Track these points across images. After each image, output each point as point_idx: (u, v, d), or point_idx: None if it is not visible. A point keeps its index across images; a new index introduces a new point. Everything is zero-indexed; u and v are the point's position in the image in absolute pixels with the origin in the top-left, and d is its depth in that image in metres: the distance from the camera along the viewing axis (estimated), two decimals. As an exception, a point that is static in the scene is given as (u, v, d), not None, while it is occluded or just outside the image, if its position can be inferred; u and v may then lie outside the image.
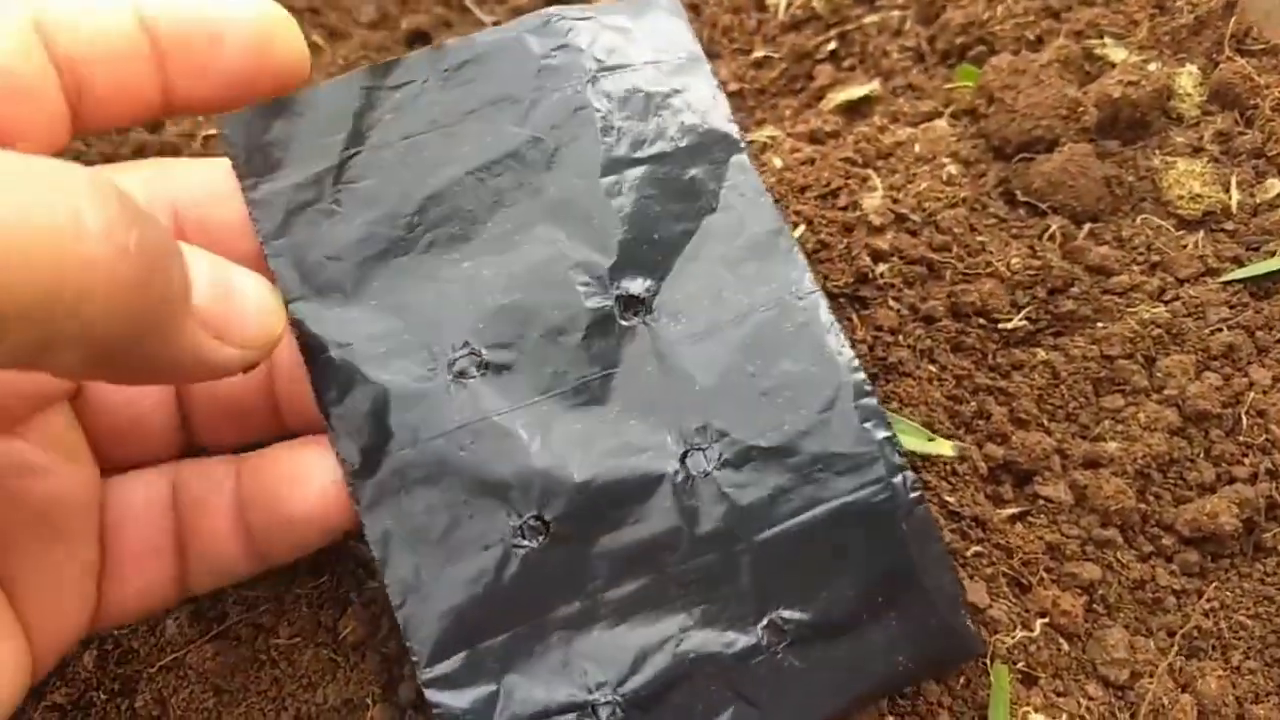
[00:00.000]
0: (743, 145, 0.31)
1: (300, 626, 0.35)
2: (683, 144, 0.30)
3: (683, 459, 0.28)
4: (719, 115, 0.31)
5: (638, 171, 0.30)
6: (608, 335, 0.29)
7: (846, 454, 0.28)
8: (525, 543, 0.27)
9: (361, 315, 0.28)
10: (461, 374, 0.28)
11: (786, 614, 0.28)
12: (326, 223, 0.29)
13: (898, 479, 0.28)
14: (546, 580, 0.27)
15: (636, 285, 0.29)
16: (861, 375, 0.29)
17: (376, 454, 0.28)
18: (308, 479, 0.28)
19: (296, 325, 0.28)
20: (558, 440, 0.28)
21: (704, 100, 0.31)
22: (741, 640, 0.27)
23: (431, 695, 0.27)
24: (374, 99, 0.29)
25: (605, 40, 0.31)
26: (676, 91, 0.31)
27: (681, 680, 0.27)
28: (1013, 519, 0.36)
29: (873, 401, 0.29)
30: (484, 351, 0.28)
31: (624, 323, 0.29)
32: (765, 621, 0.28)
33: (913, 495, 0.28)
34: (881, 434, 0.29)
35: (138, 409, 0.30)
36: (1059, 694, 0.32)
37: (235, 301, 0.24)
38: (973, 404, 0.38)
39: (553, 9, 0.31)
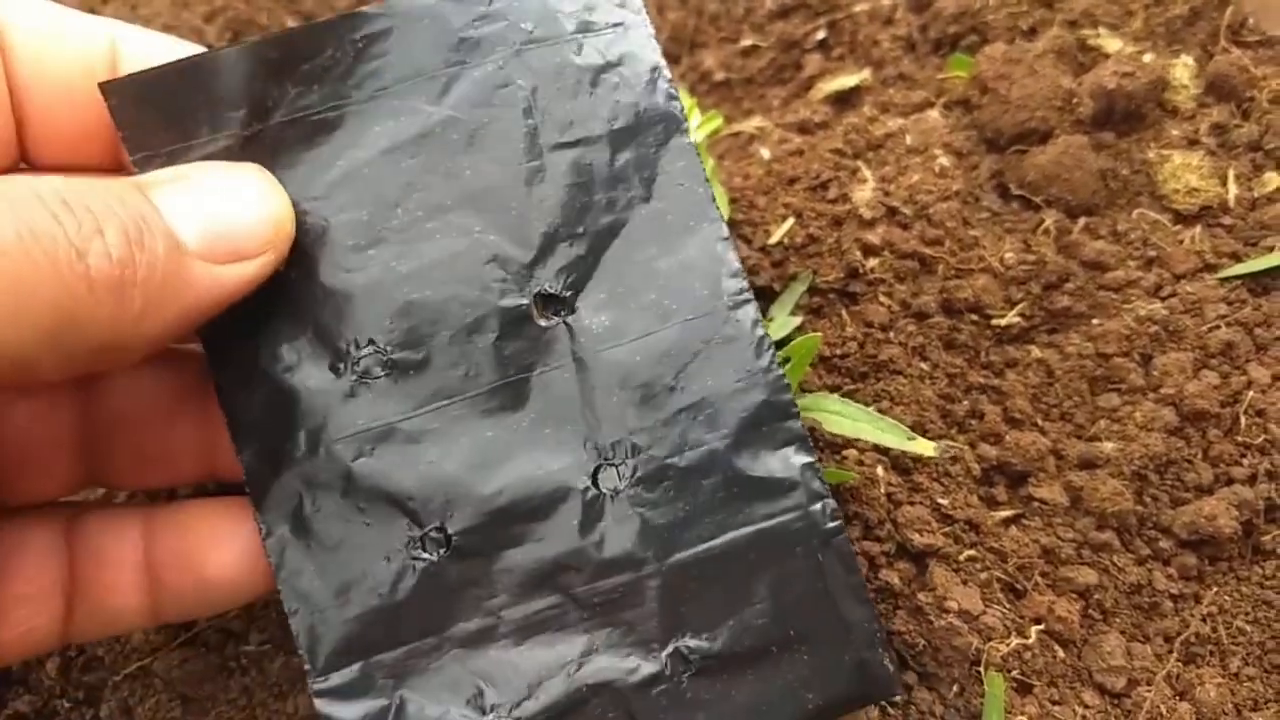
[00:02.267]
0: (685, 125, 0.28)
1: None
2: (616, 125, 0.28)
3: (595, 474, 0.26)
4: (660, 92, 0.28)
5: (564, 156, 0.27)
6: (524, 336, 0.27)
7: (765, 479, 0.27)
8: (426, 555, 0.26)
9: (262, 309, 0.26)
10: (366, 374, 0.26)
11: (693, 643, 0.26)
12: None
13: (816, 507, 0.27)
14: (446, 595, 0.26)
15: (557, 283, 0.27)
16: (789, 396, 0.27)
17: (276, 457, 0.26)
18: (227, 541, 0.27)
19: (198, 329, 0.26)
20: (466, 448, 0.26)
21: (643, 74, 0.28)
22: (645, 668, 0.26)
23: (322, 706, 0.25)
24: (279, 70, 0.27)
25: (532, 8, 0.28)
26: (612, 65, 0.28)
27: (579, 706, 0.26)
28: (1007, 522, 0.35)
29: (797, 425, 0.27)
30: (390, 350, 0.26)
31: (542, 323, 0.27)
32: (671, 649, 0.26)
33: (831, 525, 0.27)
34: (802, 459, 0.27)
35: (33, 446, 0.28)
36: (1054, 702, 0.32)
37: (230, 219, 0.23)
38: (965, 403, 0.37)
39: None
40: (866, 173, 0.42)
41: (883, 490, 0.34)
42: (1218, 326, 0.38)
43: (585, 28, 0.28)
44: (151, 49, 0.27)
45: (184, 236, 0.22)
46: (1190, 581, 0.35)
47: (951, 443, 0.36)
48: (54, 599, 0.27)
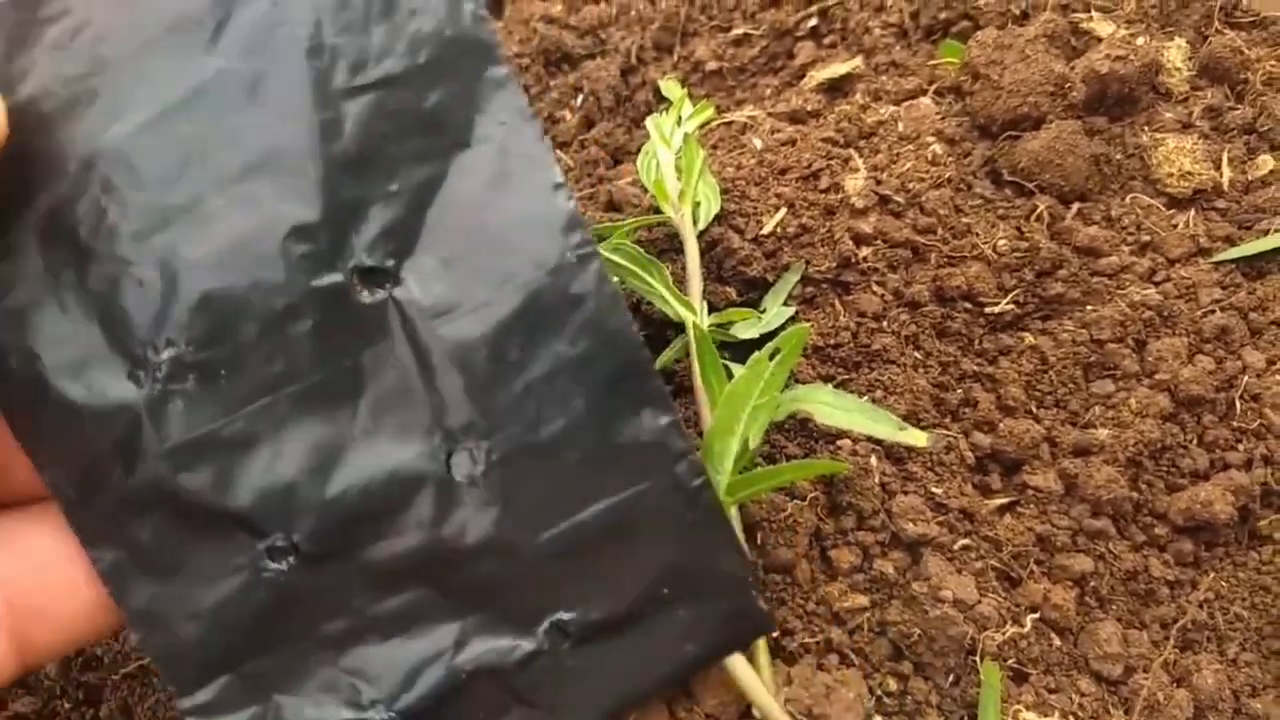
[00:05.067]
0: (499, 53, 0.24)
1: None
2: (420, 60, 0.24)
3: (447, 461, 0.24)
4: (466, 14, 0.24)
5: (361, 102, 0.23)
6: (345, 318, 0.23)
7: (627, 445, 0.25)
8: (274, 565, 0.24)
9: (41, 316, 0.23)
10: (170, 379, 0.23)
11: (568, 615, 0.25)
12: None
13: (681, 467, 0.25)
14: (304, 600, 0.25)
15: (376, 253, 0.23)
16: (645, 354, 0.25)
17: (92, 481, 0.24)
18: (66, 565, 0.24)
19: None
20: (297, 450, 0.24)
21: None
22: (522, 645, 0.25)
23: None
24: (24, 35, 0.23)
25: None
26: None
27: (459, 691, 0.25)
28: (1001, 510, 0.35)
29: (654, 383, 0.25)
30: (193, 350, 0.23)
31: (365, 299, 0.24)
32: (546, 624, 0.25)
33: (696, 483, 0.25)
34: (664, 420, 0.25)
35: None
36: (1051, 690, 0.31)
37: None
38: (959, 391, 0.37)
39: None
40: (858, 161, 0.42)
41: (876, 480, 0.34)
42: (1212, 311, 0.38)
43: None
44: None
45: None
46: (1186, 568, 0.35)
47: (945, 431, 0.35)
48: None
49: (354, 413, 0.24)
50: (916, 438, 0.31)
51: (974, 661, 0.31)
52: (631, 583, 0.26)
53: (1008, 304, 0.38)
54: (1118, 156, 0.42)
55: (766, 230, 0.40)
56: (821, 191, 0.41)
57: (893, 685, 0.31)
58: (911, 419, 0.35)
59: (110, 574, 0.24)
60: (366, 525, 0.24)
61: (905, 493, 0.34)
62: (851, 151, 0.43)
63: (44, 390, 0.23)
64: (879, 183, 0.41)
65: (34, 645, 0.24)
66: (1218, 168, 0.42)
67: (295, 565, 0.24)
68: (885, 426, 0.31)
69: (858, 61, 0.50)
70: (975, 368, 0.37)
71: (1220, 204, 0.41)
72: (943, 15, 0.50)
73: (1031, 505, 0.35)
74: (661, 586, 0.26)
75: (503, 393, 0.24)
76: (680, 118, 0.43)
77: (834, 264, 0.38)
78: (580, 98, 0.56)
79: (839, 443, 0.34)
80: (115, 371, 0.23)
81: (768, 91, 0.53)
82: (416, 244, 0.24)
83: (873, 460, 0.34)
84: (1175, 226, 0.41)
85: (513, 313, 0.24)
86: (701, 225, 0.40)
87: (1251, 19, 0.46)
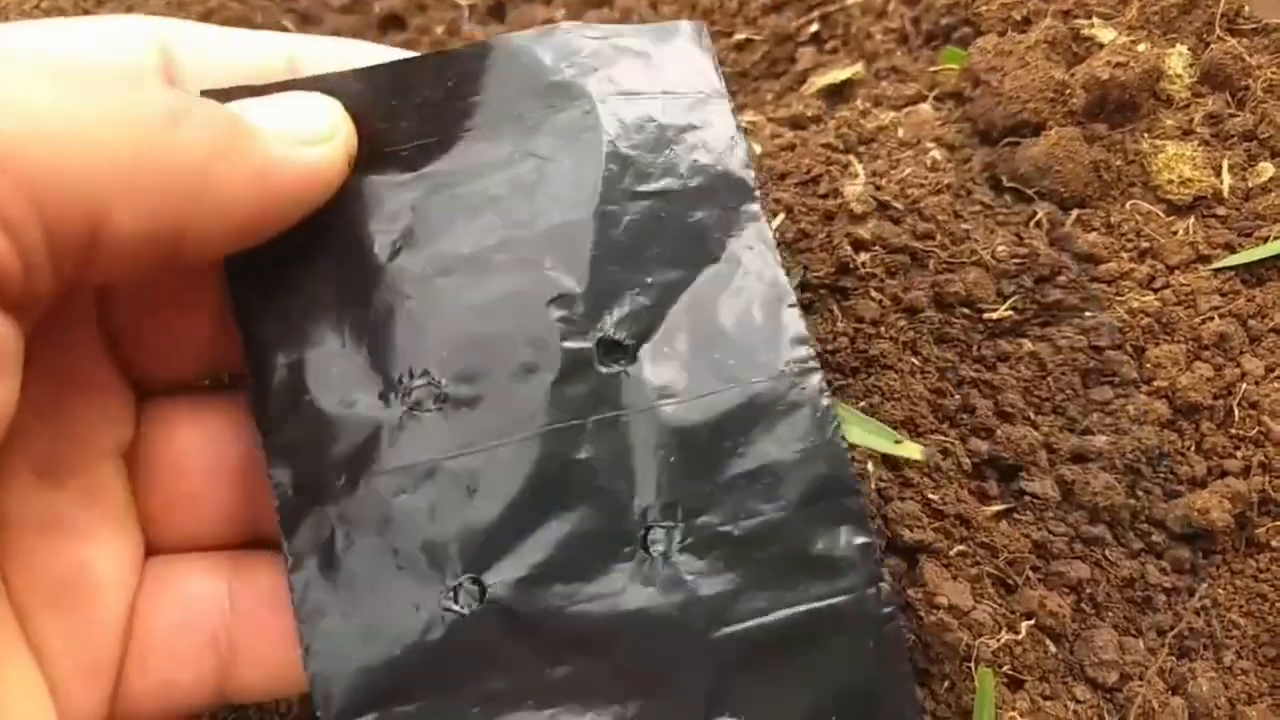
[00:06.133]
0: (757, 194, 0.28)
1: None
2: (692, 183, 0.27)
3: (644, 536, 0.25)
4: (736, 159, 0.28)
5: (640, 205, 0.27)
6: (582, 381, 0.25)
7: (822, 555, 0.25)
8: (457, 608, 0.24)
9: (315, 328, 0.25)
10: (416, 406, 0.25)
11: None
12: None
13: (872, 590, 0.25)
14: (475, 650, 0.24)
15: (622, 330, 0.26)
16: (851, 471, 0.26)
17: (314, 484, 0.25)
18: None
19: (243, 331, 0.25)
20: (512, 495, 0.25)
21: (721, 140, 0.28)
22: None
23: None
24: (380, 100, 0.27)
25: (623, 64, 0.28)
26: (693, 127, 0.28)
27: None
28: (998, 516, 0.35)
29: (857, 502, 0.26)
30: (444, 384, 0.25)
31: (603, 369, 0.25)
32: None
33: (886, 610, 0.25)
34: (860, 539, 0.25)
35: (190, 481, 0.26)
36: (1046, 697, 0.31)
37: (294, 104, 0.24)
38: (957, 397, 0.37)
39: (568, 24, 0.28)
40: (858, 167, 0.42)
41: (873, 485, 0.34)
42: (1211, 318, 0.38)
43: (669, 90, 0.28)
44: (326, 57, 0.27)
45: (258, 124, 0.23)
46: (1183, 575, 0.35)
47: (943, 437, 0.35)
48: (205, 658, 0.25)
49: (568, 471, 0.25)
50: (912, 451, 0.32)
51: (969, 668, 0.31)
52: (801, 698, 0.25)
53: (1006, 310, 0.38)
54: (1118, 163, 0.42)
55: (765, 235, 0.40)
56: (820, 197, 0.41)
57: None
58: (909, 425, 0.35)
59: (299, 581, 0.24)
60: (555, 584, 0.24)
61: (902, 499, 0.34)
62: (851, 157, 0.43)
63: (300, 395, 0.25)
64: (878, 188, 0.41)
65: (238, 680, 0.26)
66: (1218, 175, 0.42)
67: (478, 611, 0.24)
68: (881, 439, 0.31)
69: (859, 67, 0.50)
70: (973, 374, 0.37)
71: (1220, 211, 0.41)
72: (944, 21, 0.50)
73: (1028, 511, 0.35)
74: (831, 712, 0.25)
75: (709, 481, 0.25)
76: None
77: (832, 269, 0.38)
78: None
79: (836, 448, 0.34)
80: (369, 390, 0.25)
81: (769, 96, 0.53)
82: (656, 331, 0.26)
83: (869, 466, 0.34)
84: (1175, 233, 0.41)
85: (733, 408, 0.26)
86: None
87: (1253, 26, 0.46)
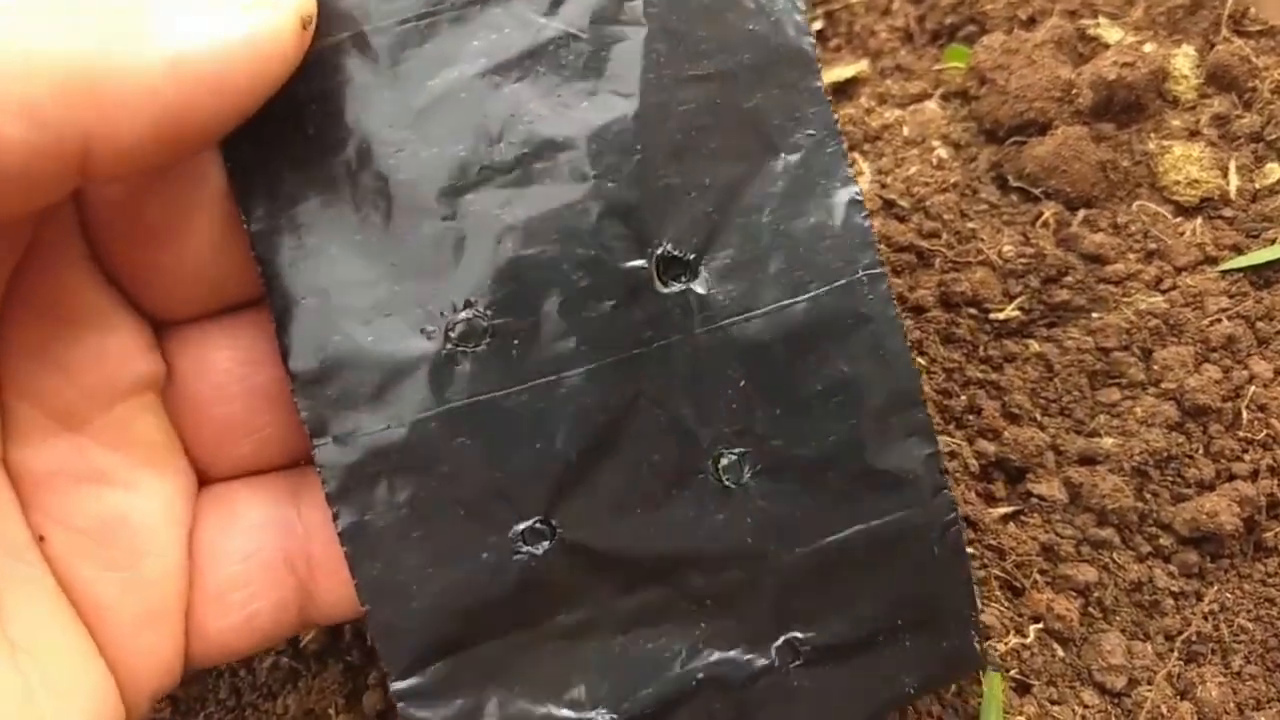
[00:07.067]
0: (818, 67, 0.24)
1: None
2: (747, 60, 0.23)
3: (715, 464, 0.24)
4: (794, 24, 0.24)
5: (693, 92, 0.23)
6: (642, 305, 0.23)
7: (891, 471, 0.24)
8: (527, 548, 0.23)
9: (342, 255, 0.22)
10: (463, 340, 0.22)
11: (803, 634, 0.24)
12: (300, 136, 0.22)
13: (938, 500, 0.25)
14: (548, 589, 0.23)
15: (682, 244, 0.23)
16: (918, 383, 0.25)
17: (352, 432, 0.22)
18: None
19: (261, 263, 0.22)
20: (574, 431, 0.23)
21: (779, 2, 0.24)
22: (755, 661, 0.24)
23: (405, 710, 0.23)
24: None
25: None
26: None
27: (686, 700, 0.24)
28: (1005, 519, 0.34)
29: (923, 414, 0.25)
30: (492, 315, 0.22)
31: (662, 289, 0.23)
32: (780, 642, 0.24)
33: (948, 518, 0.25)
34: (926, 450, 0.25)
35: (233, 406, 0.25)
36: (1053, 702, 0.31)
37: None
38: (963, 398, 0.36)
39: None
40: (863, 165, 0.41)
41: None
42: (1219, 320, 0.38)
43: None
44: None
45: None
46: (1191, 579, 0.34)
47: (950, 438, 0.35)
48: (280, 576, 0.25)
49: (632, 403, 0.23)
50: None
51: (976, 672, 0.31)
52: (869, 609, 0.25)
53: (1013, 310, 0.38)
54: (1124, 163, 0.42)
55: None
56: (826, 195, 0.40)
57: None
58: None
59: (350, 535, 0.22)
60: (628, 517, 0.23)
61: (908, 500, 0.33)
62: (856, 155, 0.42)
63: (331, 332, 0.22)
64: (884, 186, 0.40)
65: (320, 600, 0.25)
66: (1225, 176, 0.42)
67: (549, 550, 0.23)
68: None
69: (864, 64, 0.50)
70: (980, 375, 0.37)
71: (1227, 212, 0.41)
72: (949, 20, 0.49)
73: (1036, 514, 0.35)
74: (896, 617, 0.25)
75: (780, 403, 0.24)
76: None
77: (838, 268, 0.38)
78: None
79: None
80: (409, 322, 0.22)
81: (772, 94, 0.53)
82: (717, 241, 0.23)
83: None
84: (1182, 234, 0.40)
85: (801, 323, 0.24)
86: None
87: (1260, 27, 0.46)
